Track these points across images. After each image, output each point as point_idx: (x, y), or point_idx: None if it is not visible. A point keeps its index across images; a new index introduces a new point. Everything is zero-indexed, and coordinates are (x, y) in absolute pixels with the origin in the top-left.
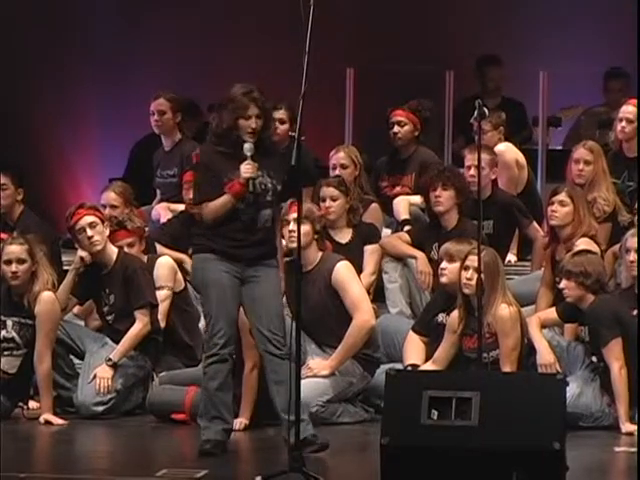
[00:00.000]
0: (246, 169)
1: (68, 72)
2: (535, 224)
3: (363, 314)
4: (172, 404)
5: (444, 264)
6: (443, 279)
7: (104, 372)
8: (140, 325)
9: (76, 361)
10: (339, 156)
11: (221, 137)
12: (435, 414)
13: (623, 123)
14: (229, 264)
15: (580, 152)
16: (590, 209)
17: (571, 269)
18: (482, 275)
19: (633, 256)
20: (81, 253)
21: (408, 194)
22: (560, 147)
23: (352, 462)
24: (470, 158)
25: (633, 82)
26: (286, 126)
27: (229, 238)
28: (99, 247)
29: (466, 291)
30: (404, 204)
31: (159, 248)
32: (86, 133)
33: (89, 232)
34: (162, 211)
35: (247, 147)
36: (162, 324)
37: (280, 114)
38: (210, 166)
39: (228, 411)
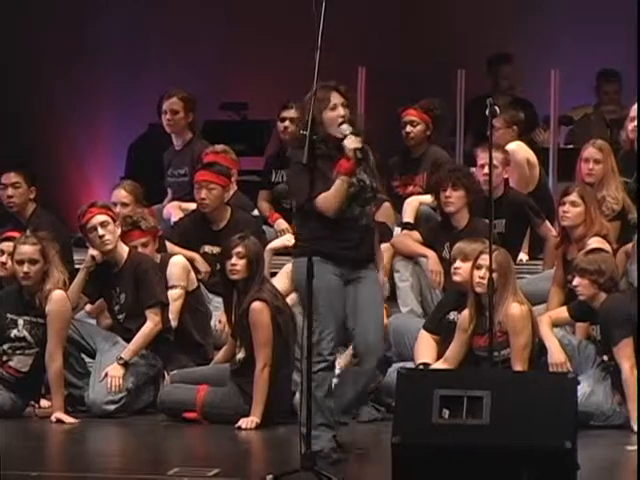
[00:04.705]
0: (350, 141)
1: (80, 71)
2: (547, 223)
3: None
4: (183, 403)
5: (458, 263)
6: (457, 278)
7: (115, 371)
8: (151, 324)
9: (87, 360)
10: None
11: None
12: (446, 413)
13: (635, 122)
14: (335, 266)
15: (590, 151)
16: (600, 208)
17: (585, 267)
18: (494, 274)
19: None
20: (92, 252)
21: (420, 193)
22: (572, 146)
23: (363, 461)
24: (483, 157)
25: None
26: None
27: (337, 239)
28: (110, 246)
29: (478, 290)
30: (413, 205)
31: (170, 246)
32: (98, 132)
33: (100, 231)
34: (173, 210)
35: (344, 127)
36: (174, 323)
37: (291, 113)
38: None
39: (333, 417)
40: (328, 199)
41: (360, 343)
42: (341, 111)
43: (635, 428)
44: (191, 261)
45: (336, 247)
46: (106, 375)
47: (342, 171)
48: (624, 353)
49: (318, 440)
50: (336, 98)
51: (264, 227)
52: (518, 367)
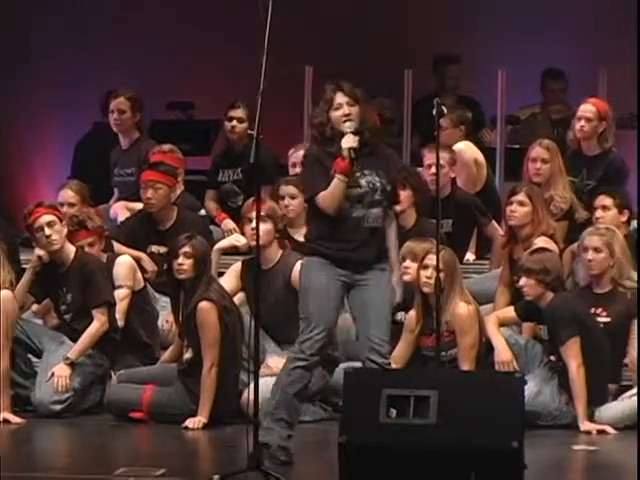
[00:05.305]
0: (346, 140)
1: (25, 70)
2: (494, 223)
3: None
4: (130, 402)
5: (408, 263)
6: (406, 278)
7: (62, 371)
8: (98, 324)
9: (34, 360)
10: (299, 154)
11: (320, 135)
12: (393, 413)
13: (582, 122)
14: (337, 268)
15: (537, 150)
16: (547, 207)
17: (530, 267)
18: (441, 274)
19: (591, 254)
20: (39, 252)
21: None
22: (518, 146)
23: (311, 461)
24: (430, 157)
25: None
26: (245, 125)
27: (337, 240)
28: (57, 246)
29: (425, 290)
30: None
31: (116, 246)
32: (44, 131)
33: (47, 231)
34: (120, 210)
35: (347, 125)
36: (121, 323)
37: (238, 113)
38: (318, 162)
39: (297, 418)
40: (326, 197)
41: (369, 336)
42: (346, 110)
43: (583, 427)
44: (138, 261)
45: (336, 247)
46: (52, 375)
47: (338, 170)
48: (571, 352)
49: (271, 433)
50: (340, 97)
51: (211, 227)
52: (465, 367)
